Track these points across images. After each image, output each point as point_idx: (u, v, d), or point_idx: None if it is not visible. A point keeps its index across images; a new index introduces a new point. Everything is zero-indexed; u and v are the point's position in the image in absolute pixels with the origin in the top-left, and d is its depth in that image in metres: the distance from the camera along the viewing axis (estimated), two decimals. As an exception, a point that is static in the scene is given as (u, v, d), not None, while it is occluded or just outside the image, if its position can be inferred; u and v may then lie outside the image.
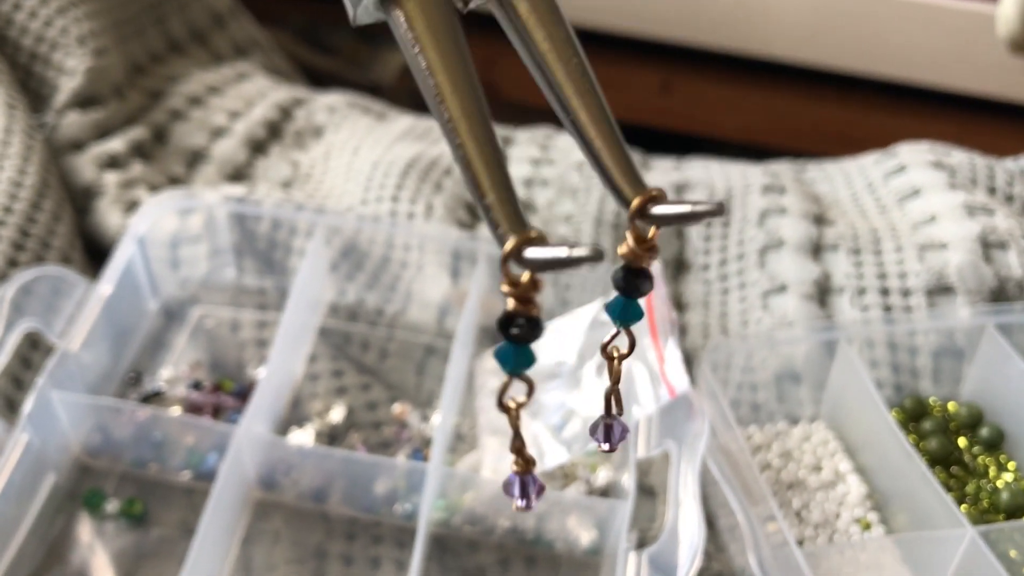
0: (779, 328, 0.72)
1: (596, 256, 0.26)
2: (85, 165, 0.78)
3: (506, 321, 0.28)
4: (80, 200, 0.76)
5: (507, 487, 0.33)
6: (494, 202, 0.28)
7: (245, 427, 0.59)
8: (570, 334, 0.64)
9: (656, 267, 0.61)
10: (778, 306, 0.74)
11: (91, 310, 0.62)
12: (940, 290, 0.72)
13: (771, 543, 0.55)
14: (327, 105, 0.91)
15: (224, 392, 0.66)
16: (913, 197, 0.80)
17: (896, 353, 0.70)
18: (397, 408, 0.67)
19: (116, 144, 0.80)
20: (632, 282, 0.30)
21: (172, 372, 0.67)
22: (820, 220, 0.80)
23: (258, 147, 0.86)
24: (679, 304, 0.77)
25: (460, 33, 0.30)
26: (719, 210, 0.28)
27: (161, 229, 0.71)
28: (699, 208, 0.28)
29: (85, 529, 0.61)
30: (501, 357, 0.28)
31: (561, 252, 0.26)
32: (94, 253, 0.73)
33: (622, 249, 0.29)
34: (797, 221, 0.79)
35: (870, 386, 0.64)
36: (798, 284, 0.75)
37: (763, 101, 1.22)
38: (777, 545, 0.53)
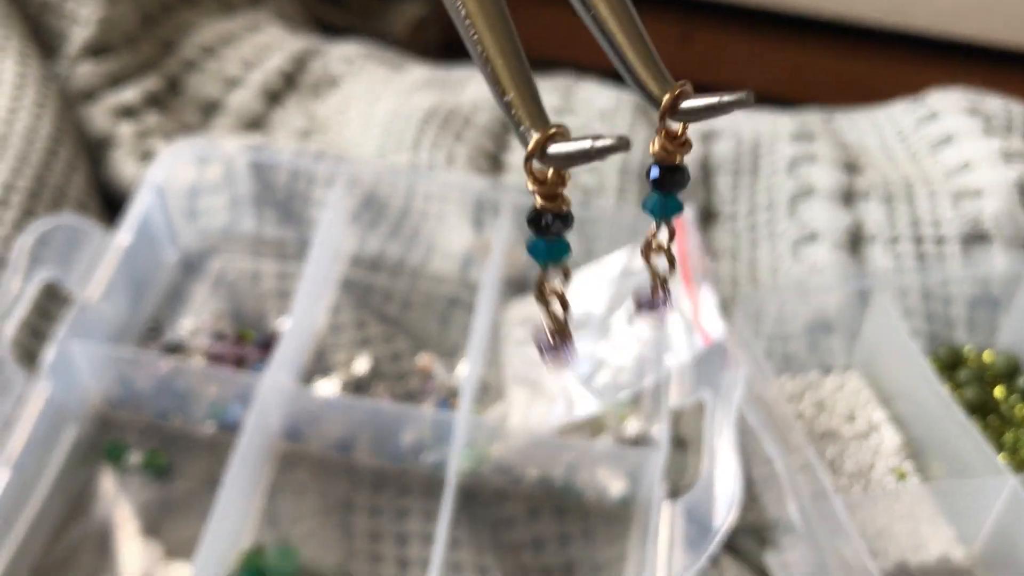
0: (810, 278, 0.71)
1: (622, 145, 0.25)
2: (99, 115, 0.76)
3: (536, 218, 0.27)
4: (95, 150, 0.75)
5: (538, 339, 0.32)
6: (515, 99, 0.27)
7: (270, 377, 0.58)
8: (598, 284, 0.63)
9: (688, 213, 0.59)
10: (809, 255, 0.73)
11: (109, 260, 0.61)
12: (975, 238, 0.71)
13: (809, 493, 0.54)
14: (343, 55, 0.89)
15: (246, 343, 0.65)
16: (946, 144, 0.79)
17: (930, 302, 0.69)
18: (422, 359, 0.66)
19: (130, 94, 0.78)
20: (668, 179, 0.29)
21: (193, 323, 0.66)
22: (851, 168, 0.78)
23: (274, 97, 0.84)
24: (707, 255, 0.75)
25: None
26: (748, 100, 0.27)
27: (179, 179, 0.69)
28: (726, 99, 0.27)
29: (108, 482, 0.60)
30: (534, 251, 0.27)
31: (585, 144, 0.26)
32: (110, 204, 0.72)
33: (653, 147, 0.29)
34: (828, 169, 0.77)
35: (905, 335, 0.62)
36: (830, 233, 0.73)
37: (785, 54, 1.19)
38: (815, 495, 0.52)
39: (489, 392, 0.65)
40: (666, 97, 0.28)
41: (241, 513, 0.58)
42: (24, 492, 0.56)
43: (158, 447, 0.61)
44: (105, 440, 0.62)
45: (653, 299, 0.32)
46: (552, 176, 0.27)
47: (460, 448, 0.57)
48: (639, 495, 0.60)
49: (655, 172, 0.29)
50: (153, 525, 0.59)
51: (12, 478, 0.54)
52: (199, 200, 0.71)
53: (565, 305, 0.29)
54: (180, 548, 0.58)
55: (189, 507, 0.60)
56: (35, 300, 0.61)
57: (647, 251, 0.31)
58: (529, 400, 0.62)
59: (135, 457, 0.61)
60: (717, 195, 0.80)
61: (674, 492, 0.56)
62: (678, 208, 0.29)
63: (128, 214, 0.63)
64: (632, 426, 0.62)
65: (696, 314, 0.55)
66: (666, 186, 0.29)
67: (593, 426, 0.62)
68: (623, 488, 0.60)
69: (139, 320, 0.66)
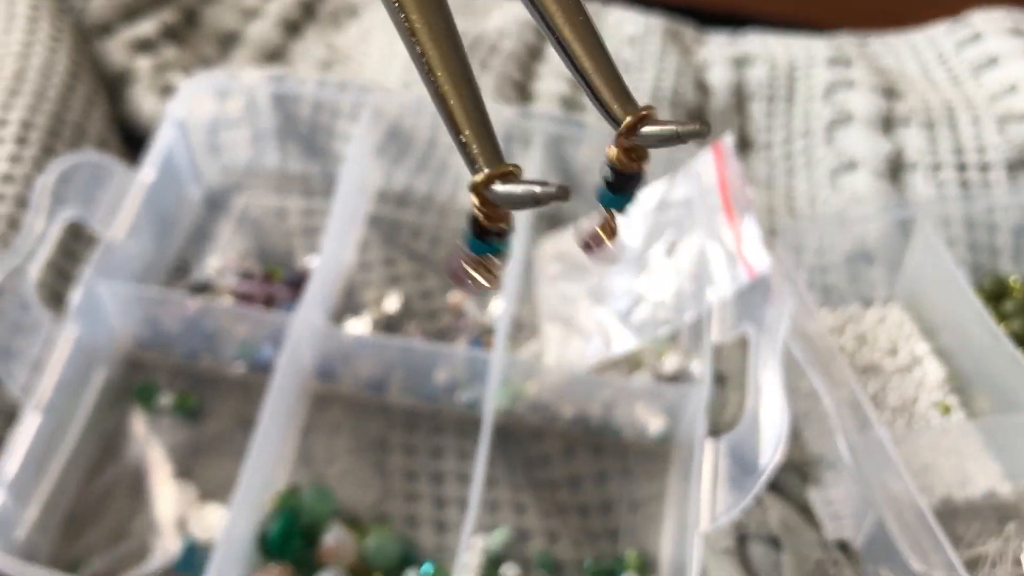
0: (850, 207, 0.69)
1: (562, 195, 0.26)
2: (116, 49, 0.74)
3: (476, 226, 0.28)
4: (113, 86, 0.73)
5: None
6: (470, 137, 0.27)
7: (302, 316, 0.57)
8: (635, 216, 0.61)
9: (728, 140, 0.57)
10: (848, 184, 0.71)
11: (133, 198, 0.60)
12: (1021, 164, 0.68)
13: (853, 428, 0.53)
14: (363, -17, 0.86)
15: (275, 282, 0.64)
16: (990, 67, 0.76)
17: (974, 231, 0.67)
18: (453, 296, 0.65)
19: (146, 27, 0.76)
20: (621, 183, 0.29)
21: (219, 262, 0.65)
22: (890, 94, 0.75)
23: (292, 28, 0.82)
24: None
25: None
26: (704, 131, 0.27)
27: (199, 113, 0.67)
28: (682, 129, 0.27)
29: (139, 424, 0.59)
30: (472, 246, 0.28)
31: (530, 189, 0.26)
32: (130, 141, 0.70)
33: (611, 154, 0.29)
34: (866, 95, 0.75)
35: (951, 265, 0.60)
36: (869, 161, 0.71)
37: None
38: (860, 429, 0.51)
39: (523, 330, 0.63)
40: (628, 119, 0.28)
41: (276, 454, 0.57)
42: (56, 436, 0.55)
43: (188, 388, 0.61)
44: (134, 382, 0.61)
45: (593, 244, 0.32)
46: (498, 212, 0.27)
47: (496, 386, 0.56)
48: (678, 432, 0.59)
49: (609, 174, 0.29)
50: (186, 466, 0.58)
51: (43, 422, 0.53)
52: (221, 135, 0.69)
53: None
54: (212, 490, 0.57)
55: (221, 448, 0.59)
56: (59, 240, 0.60)
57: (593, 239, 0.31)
58: (564, 337, 0.61)
59: (165, 399, 0.60)
60: (751, 123, 0.77)
61: (714, 429, 0.55)
62: (630, 201, 0.30)
63: (151, 150, 0.62)
64: (670, 362, 0.61)
65: (739, 246, 0.53)
66: (618, 190, 0.29)
67: (630, 363, 0.61)
68: (662, 425, 0.59)
69: (165, 260, 0.65)
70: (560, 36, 0.29)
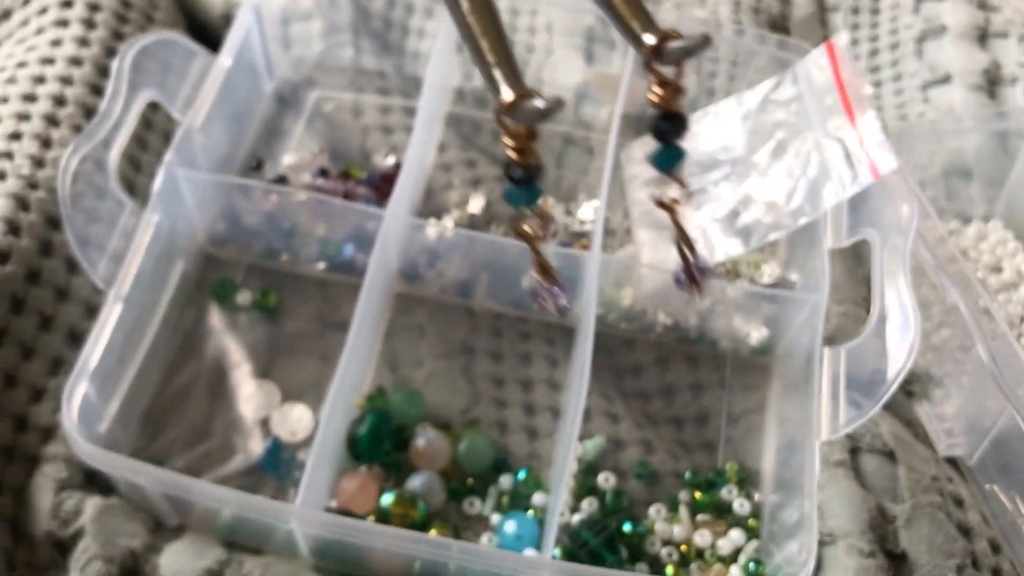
0: (944, 121, 0.66)
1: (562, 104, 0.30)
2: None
3: (507, 168, 0.31)
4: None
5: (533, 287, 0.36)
6: (497, 65, 0.31)
7: (391, 213, 0.54)
8: (734, 119, 0.58)
9: (842, 38, 0.54)
10: (941, 98, 0.68)
11: (212, 82, 0.56)
12: None
13: (958, 344, 0.51)
14: None
15: (353, 180, 0.61)
16: (1090, -21, 0.73)
17: (1077, 147, 0.64)
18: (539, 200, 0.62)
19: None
20: (667, 127, 0.32)
21: (294, 159, 0.61)
22: (984, 5, 0.72)
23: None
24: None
25: None
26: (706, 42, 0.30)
27: (270, 4, 0.64)
28: (697, 39, 0.30)
29: (217, 321, 0.57)
30: (509, 198, 0.32)
31: (553, 97, 0.30)
32: (195, 32, 0.67)
33: (652, 96, 0.31)
34: (959, 5, 0.71)
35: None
36: (964, 74, 0.68)
37: None
38: (992, 337, 0.49)
39: (615, 236, 0.61)
40: (652, 40, 0.30)
41: (365, 357, 0.54)
42: (135, 329, 0.52)
43: (266, 287, 0.58)
44: (212, 278, 0.58)
45: (690, 277, 0.35)
46: (523, 130, 0.30)
47: (593, 289, 0.53)
48: (781, 344, 0.57)
49: (656, 122, 0.32)
50: (264, 366, 0.56)
51: (124, 313, 0.50)
52: (292, 27, 0.66)
53: (534, 243, 0.33)
54: (292, 390, 0.55)
55: (300, 348, 0.56)
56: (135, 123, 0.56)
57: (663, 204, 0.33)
58: (658, 243, 0.58)
59: (243, 297, 0.57)
60: (834, 34, 0.74)
61: (829, 339, 0.52)
62: (680, 156, 0.31)
63: (229, 35, 0.58)
64: (768, 272, 0.58)
65: (862, 143, 0.50)
66: (666, 135, 0.31)
67: (729, 272, 0.59)
68: (763, 336, 0.56)
69: (239, 155, 0.62)
70: None
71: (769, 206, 0.54)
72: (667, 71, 0.34)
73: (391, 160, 0.62)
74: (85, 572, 0.46)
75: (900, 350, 0.46)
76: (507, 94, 0.30)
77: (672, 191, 0.34)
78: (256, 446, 0.53)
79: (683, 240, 0.34)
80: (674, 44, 0.30)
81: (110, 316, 0.49)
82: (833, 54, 0.54)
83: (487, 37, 0.31)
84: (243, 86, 0.61)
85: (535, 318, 0.58)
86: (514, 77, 0.31)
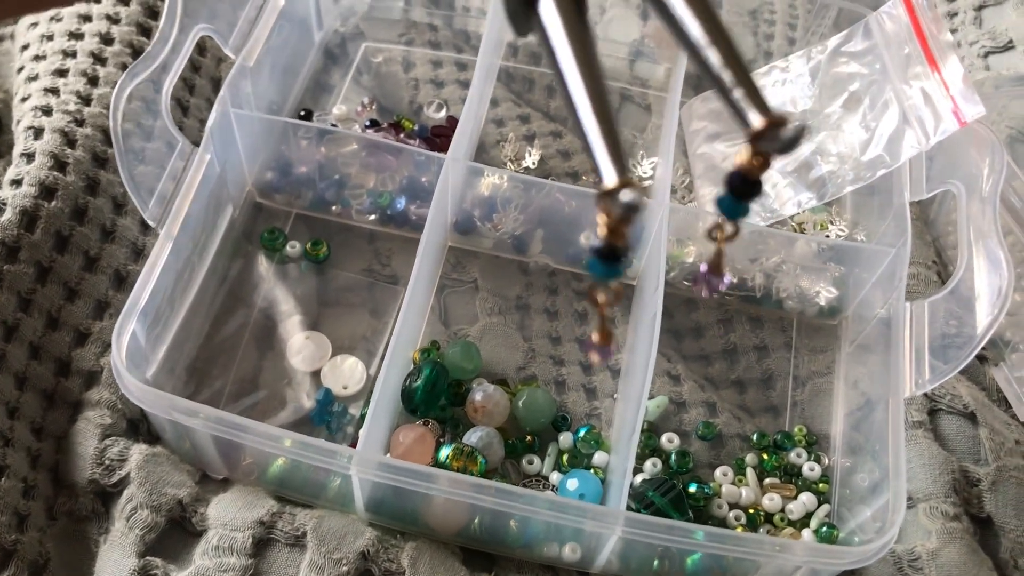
0: (1007, 82, 0.64)
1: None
2: None
3: (599, 246, 0.31)
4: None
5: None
6: (603, 147, 0.29)
7: (452, 157, 0.52)
8: (802, 73, 0.56)
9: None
10: (1003, 65, 0.66)
11: (265, 22, 0.54)
12: None
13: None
14: None
15: (404, 132, 0.59)
16: None
17: None
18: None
19: None
20: (743, 188, 0.31)
21: (343, 110, 0.59)
22: (1047, -27, 0.70)
23: None
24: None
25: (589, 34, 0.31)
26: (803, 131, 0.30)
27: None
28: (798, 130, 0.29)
29: (266, 271, 0.55)
30: (591, 267, 0.31)
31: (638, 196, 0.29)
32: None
33: (739, 159, 0.30)
34: (1023, -27, 0.69)
35: None
36: (1030, 41, 0.66)
37: None
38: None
39: (675, 192, 0.59)
40: (763, 123, 0.29)
41: (422, 310, 0.52)
42: (183, 273, 0.50)
43: (315, 237, 0.56)
44: (261, 227, 0.56)
45: (710, 275, 0.34)
46: (618, 218, 0.29)
47: (662, 244, 0.51)
48: (850, 305, 0.54)
49: (735, 180, 0.31)
50: (314, 316, 0.53)
51: (173, 255, 0.48)
52: (340, -22, 0.64)
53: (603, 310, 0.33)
54: (341, 342, 0.53)
55: (348, 300, 0.54)
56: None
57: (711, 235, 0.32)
58: (721, 200, 0.56)
59: (292, 247, 0.55)
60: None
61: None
62: (746, 213, 0.31)
63: (282, -24, 0.56)
64: (836, 230, 0.56)
65: (947, 89, 0.48)
66: (739, 194, 0.31)
67: (794, 231, 0.57)
68: (831, 298, 0.54)
69: (288, 105, 0.60)
70: (695, 43, 0.30)
71: (843, 158, 0.52)
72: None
73: (442, 113, 0.60)
74: (131, 521, 0.43)
75: (991, 302, 0.44)
76: (610, 180, 0.29)
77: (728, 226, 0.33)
78: (306, 399, 0.51)
79: (717, 260, 0.33)
80: (783, 134, 0.29)
81: (161, 255, 0.47)
82: (910, 3, 0.52)
83: (598, 117, 0.30)
84: (294, 32, 0.59)
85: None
86: (619, 162, 0.29)
